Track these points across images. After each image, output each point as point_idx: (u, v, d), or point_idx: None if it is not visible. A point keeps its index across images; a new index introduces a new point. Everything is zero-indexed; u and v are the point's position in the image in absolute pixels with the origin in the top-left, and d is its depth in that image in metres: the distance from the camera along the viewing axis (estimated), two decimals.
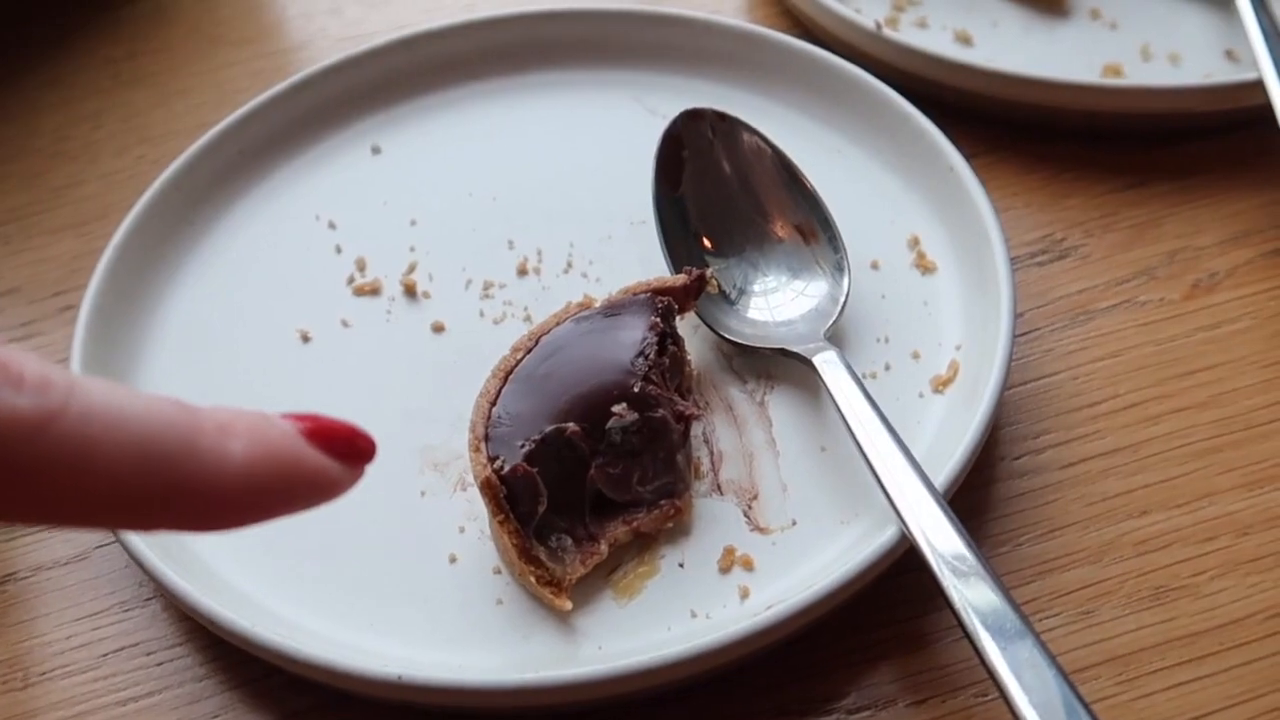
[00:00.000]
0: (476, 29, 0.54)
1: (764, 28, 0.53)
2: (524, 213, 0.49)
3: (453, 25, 0.54)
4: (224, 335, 0.46)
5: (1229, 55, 0.54)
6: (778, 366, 0.43)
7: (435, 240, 0.49)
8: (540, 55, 0.55)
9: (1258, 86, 0.49)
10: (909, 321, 0.44)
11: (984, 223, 0.44)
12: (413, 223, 0.49)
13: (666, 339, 0.41)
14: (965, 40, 0.55)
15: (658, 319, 0.40)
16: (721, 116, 0.47)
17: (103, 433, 0.19)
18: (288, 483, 0.21)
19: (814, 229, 0.45)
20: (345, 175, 0.51)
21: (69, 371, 0.20)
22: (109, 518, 0.20)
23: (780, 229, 0.45)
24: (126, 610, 0.40)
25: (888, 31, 0.53)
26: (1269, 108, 0.50)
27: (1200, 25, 0.55)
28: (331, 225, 0.49)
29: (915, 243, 0.47)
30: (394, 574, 0.39)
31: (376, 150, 0.52)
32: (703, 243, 0.45)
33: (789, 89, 0.52)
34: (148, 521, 0.20)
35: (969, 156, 0.50)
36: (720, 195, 0.46)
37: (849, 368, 0.40)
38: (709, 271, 0.43)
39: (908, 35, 0.55)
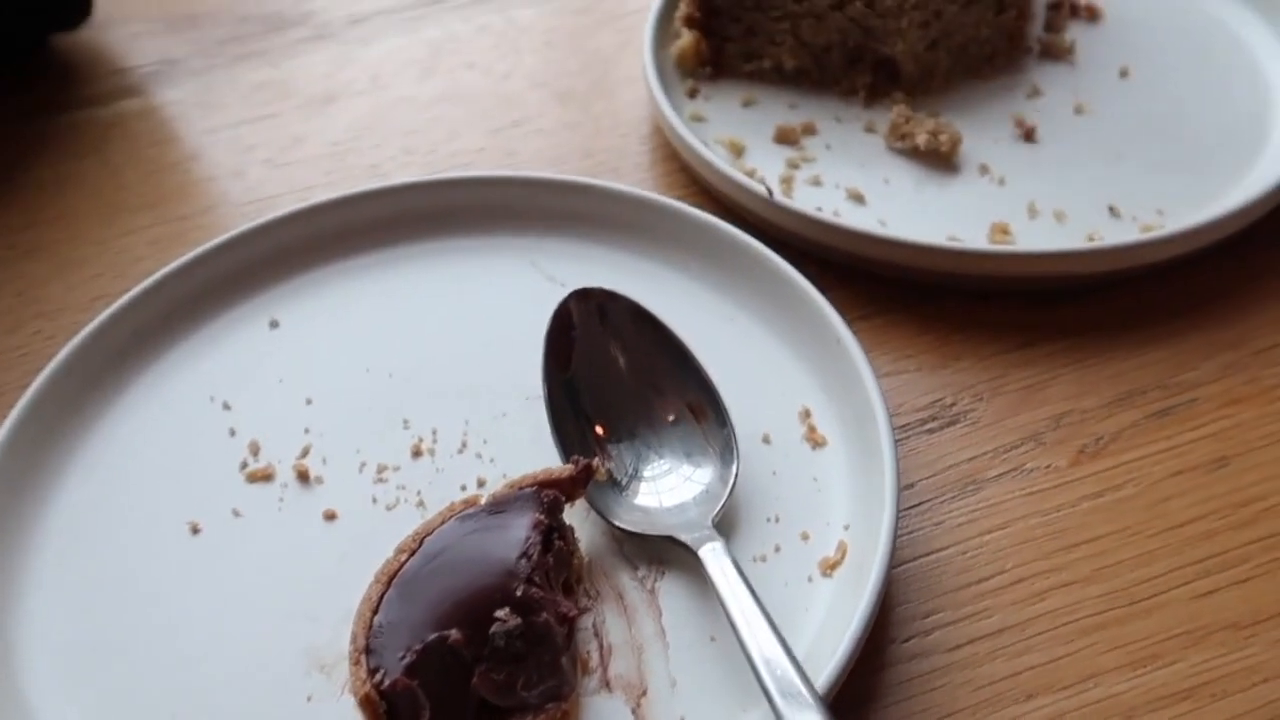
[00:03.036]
0: (376, 197, 0.55)
1: (659, 195, 0.54)
2: (419, 390, 0.49)
3: (352, 195, 0.55)
4: (113, 529, 0.46)
5: (1112, 211, 0.55)
6: (668, 551, 0.43)
7: (330, 420, 0.48)
8: (439, 222, 0.55)
9: (1138, 248, 0.51)
10: (799, 499, 0.45)
11: (869, 398, 0.45)
12: (308, 401, 0.49)
13: (553, 534, 0.41)
14: (858, 198, 0.56)
15: (542, 515, 0.40)
16: (611, 295, 0.47)
17: None
18: None
19: (704, 408, 0.45)
20: (242, 352, 0.51)
21: None
22: None
23: (671, 409, 0.46)
24: None
25: (779, 198, 0.54)
26: (1150, 266, 0.52)
27: (1084, 181, 0.57)
28: (226, 406, 0.49)
29: (806, 415, 0.47)
30: None
31: (274, 324, 0.52)
32: (594, 426, 0.45)
33: (684, 255, 0.53)
34: None
35: (862, 318, 0.51)
36: (610, 375, 0.46)
37: (733, 560, 0.40)
38: (595, 461, 0.43)
39: (801, 194, 0.56)
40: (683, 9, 0.62)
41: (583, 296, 0.47)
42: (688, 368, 0.46)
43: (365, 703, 0.36)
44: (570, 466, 0.42)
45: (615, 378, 0.46)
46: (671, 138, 0.59)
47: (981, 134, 0.59)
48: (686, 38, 0.62)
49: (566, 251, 0.54)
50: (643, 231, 0.54)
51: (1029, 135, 0.59)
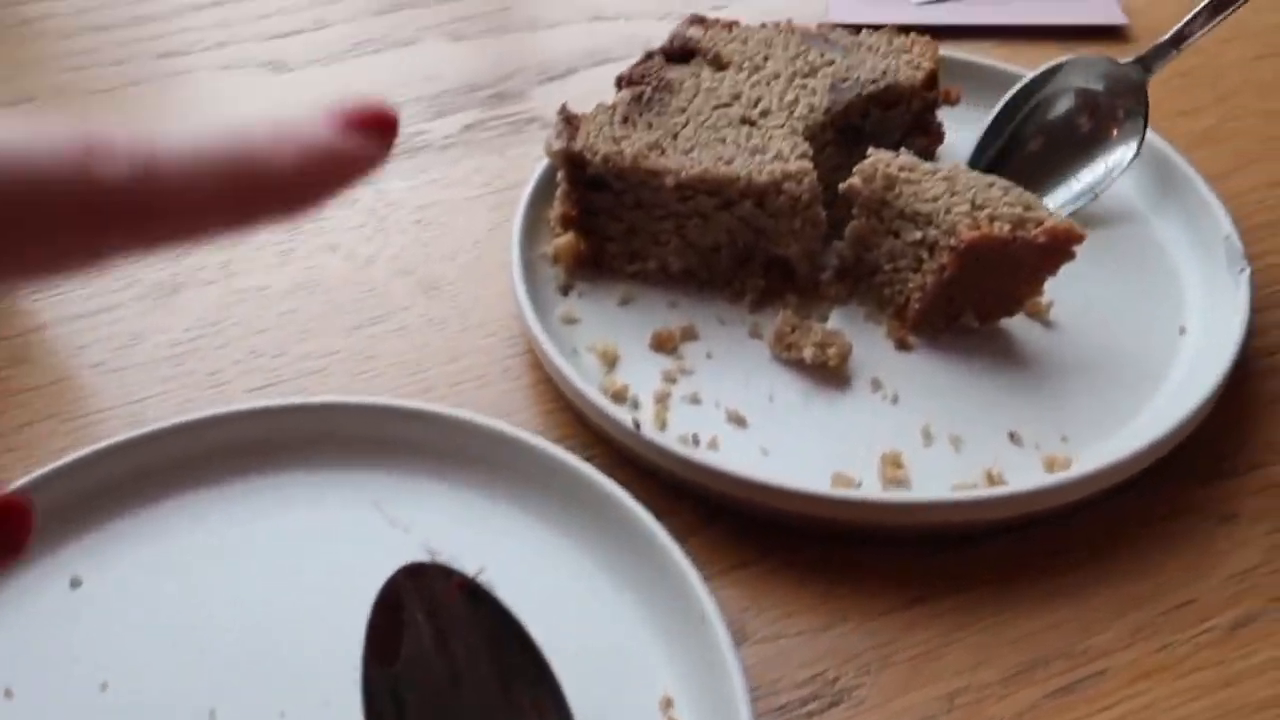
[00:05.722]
0: (186, 432, 0.49)
1: (512, 428, 0.49)
2: (231, 672, 0.43)
3: (155, 431, 0.48)
4: None
5: (1013, 437, 0.51)
6: None
7: (124, 713, 0.42)
8: (265, 454, 0.49)
9: (1039, 494, 0.47)
10: None
11: (735, 694, 0.39)
12: (103, 687, 0.43)
13: None
14: (738, 420, 0.52)
15: None
16: (447, 572, 0.42)
17: (193, 171, 0.24)
18: (334, 170, 0.26)
19: (546, 708, 0.40)
20: (36, 620, 0.45)
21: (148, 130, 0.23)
22: (214, 225, 0.25)
23: (511, 711, 0.40)
24: None
25: (646, 432, 0.49)
26: (1055, 509, 0.47)
27: (982, 402, 0.52)
28: (8, 694, 0.43)
29: (668, 704, 0.42)
30: None
31: (76, 583, 0.46)
32: None
33: (541, 498, 0.48)
34: (243, 220, 0.25)
35: (740, 565, 0.47)
36: (443, 669, 0.41)
37: None
38: None
39: (678, 415, 0.52)
40: (558, 208, 0.57)
41: (415, 573, 0.42)
42: (532, 663, 0.40)
43: None
44: None
45: (448, 672, 0.41)
46: (537, 352, 0.53)
47: (875, 343, 0.55)
48: (564, 238, 0.58)
49: (413, 489, 0.49)
50: (496, 468, 0.48)
51: (901, 344, 0.55)
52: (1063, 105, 0.62)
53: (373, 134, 0.26)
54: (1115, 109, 0.61)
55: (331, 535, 0.48)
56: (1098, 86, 0.61)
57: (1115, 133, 0.61)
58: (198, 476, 0.49)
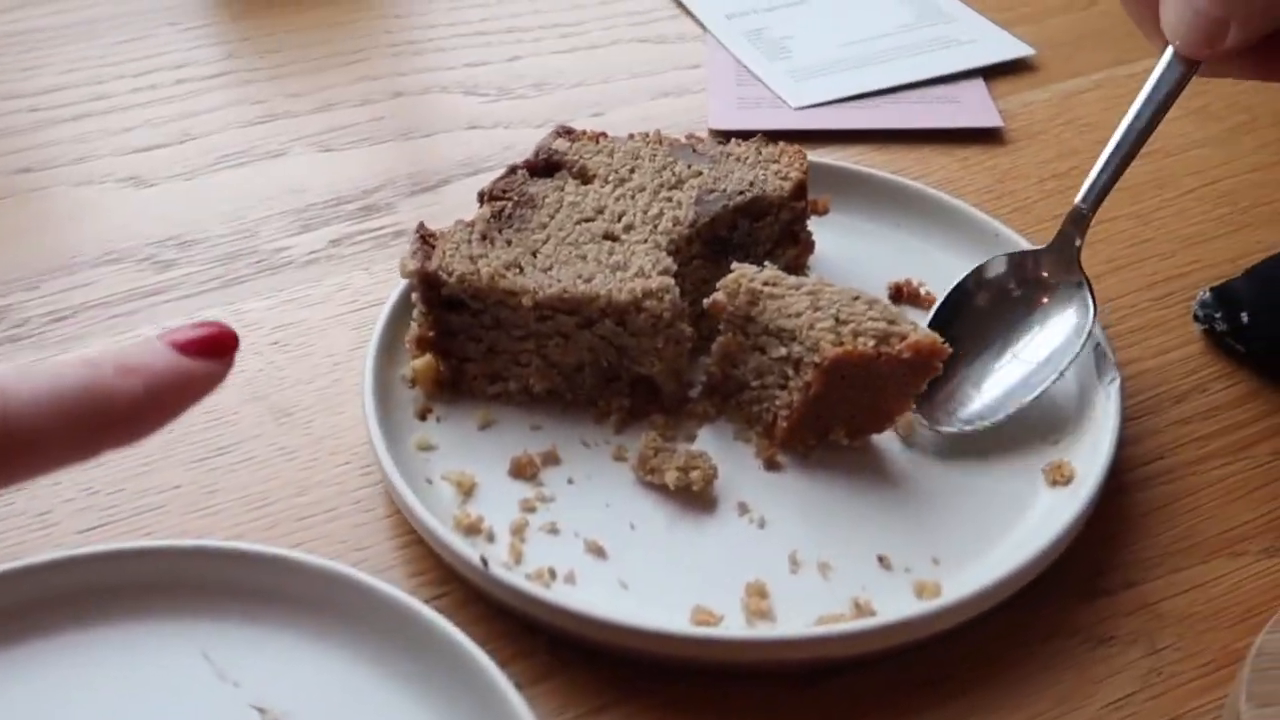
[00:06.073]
0: (13, 579, 0.45)
1: (352, 570, 0.45)
2: None
3: None
4: None
5: (881, 561, 0.49)
6: None
7: None
8: (94, 604, 0.46)
9: (909, 624, 0.45)
10: None
11: None
12: None
13: None
14: (597, 551, 0.49)
15: None
16: None
17: (43, 418, 0.26)
18: (180, 394, 0.28)
19: None
20: None
21: None
22: (64, 461, 0.27)
23: None
24: None
25: (494, 570, 0.46)
26: (926, 638, 0.45)
27: (852, 523, 0.50)
28: None
29: None
30: None
31: None
32: None
33: (382, 646, 0.44)
34: (92, 453, 0.27)
35: (599, 709, 0.44)
36: None
37: None
38: None
39: (534, 547, 0.49)
40: (414, 329, 0.55)
41: None
42: None
43: None
44: None
45: None
46: (387, 485, 0.51)
47: (743, 462, 0.53)
48: (422, 360, 0.55)
49: (245, 637, 0.45)
50: (337, 613, 0.45)
51: (770, 464, 0.53)
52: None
53: (213, 355, 0.29)
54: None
55: (153, 693, 0.44)
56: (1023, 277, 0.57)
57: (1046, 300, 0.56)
58: (13, 630, 0.45)
